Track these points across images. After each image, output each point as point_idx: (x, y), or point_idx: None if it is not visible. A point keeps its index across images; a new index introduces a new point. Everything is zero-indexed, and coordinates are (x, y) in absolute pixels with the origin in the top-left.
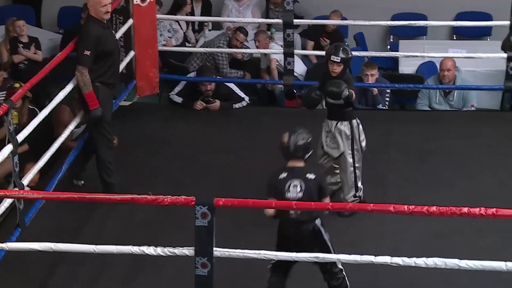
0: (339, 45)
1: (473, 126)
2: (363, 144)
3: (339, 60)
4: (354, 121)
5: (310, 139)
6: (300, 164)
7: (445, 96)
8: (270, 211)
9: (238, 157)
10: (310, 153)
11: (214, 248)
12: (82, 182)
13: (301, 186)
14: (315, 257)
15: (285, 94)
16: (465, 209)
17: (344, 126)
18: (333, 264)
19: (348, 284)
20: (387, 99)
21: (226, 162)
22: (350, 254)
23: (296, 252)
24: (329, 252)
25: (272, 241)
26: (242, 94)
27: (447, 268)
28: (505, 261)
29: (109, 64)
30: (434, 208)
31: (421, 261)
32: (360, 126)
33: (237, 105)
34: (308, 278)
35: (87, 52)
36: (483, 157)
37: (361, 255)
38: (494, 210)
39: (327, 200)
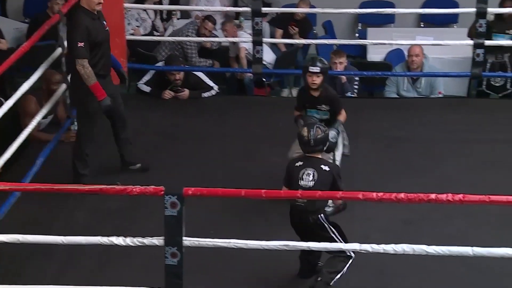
0: (315, 57)
1: (440, 113)
2: (346, 150)
3: (318, 70)
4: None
5: (327, 131)
6: (318, 155)
7: (413, 83)
8: None
9: (207, 146)
10: (327, 144)
11: (184, 238)
12: (139, 164)
13: (313, 176)
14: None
15: (254, 82)
16: (433, 196)
17: None
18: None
19: (344, 270)
20: (356, 86)
21: (195, 151)
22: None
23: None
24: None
25: (241, 229)
26: (211, 83)
27: (415, 254)
28: (472, 246)
29: (100, 55)
30: (402, 195)
31: (389, 248)
32: (344, 133)
33: (206, 94)
34: None
35: (81, 44)
36: (451, 144)
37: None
38: (461, 196)
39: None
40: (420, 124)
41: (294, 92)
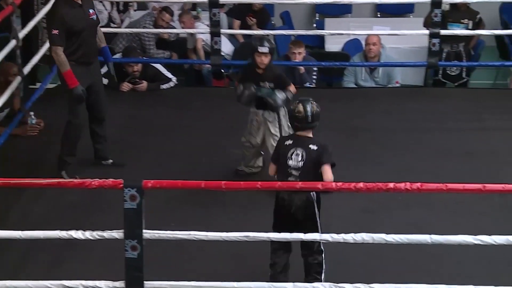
0: (262, 37)
1: (398, 102)
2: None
3: (267, 51)
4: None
5: (318, 107)
6: (309, 134)
7: (370, 73)
8: (272, 172)
9: (167, 138)
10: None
11: (144, 230)
12: (111, 160)
13: (302, 156)
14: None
15: (213, 74)
16: (391, 185)
17: (270, 116)
18: (315, 242)
19: (324, 266)
20: (314, 77)
21: (154, 143)
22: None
23: (289, 225)
24: (316, 228)
25: (202, 220)
26: (169, 75)
27: (375, 243)
28: (430, 234)
29: (79, 43)
30: (361, 185)
31: (349, 237)
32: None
33: (164, 86)
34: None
35: (55, 31)
36: (409, 133)
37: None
38: (419, 184)
39: (326, 167)
40: (378, 113)
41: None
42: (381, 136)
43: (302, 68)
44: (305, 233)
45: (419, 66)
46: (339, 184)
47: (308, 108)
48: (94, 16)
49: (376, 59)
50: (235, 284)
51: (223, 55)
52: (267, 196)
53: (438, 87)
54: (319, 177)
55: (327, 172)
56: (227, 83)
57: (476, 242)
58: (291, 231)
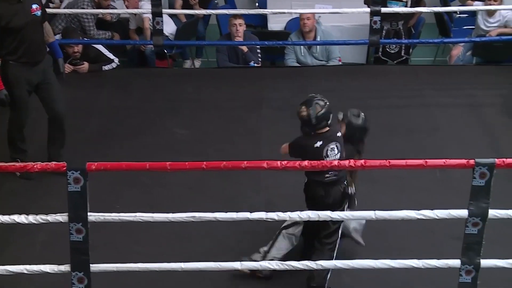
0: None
1: (340, 80)
2: None
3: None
4: None
5: (327, 104)
6: (327, 128)
7: (309, 49)
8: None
9: (110, 119)
10: (331, 117)
11: (89, 213)
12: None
13: (337, 147)
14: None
15: (156, 54)
16: (335, 162)
17: None
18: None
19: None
20: (259, 55)
21: (98, 125)
22: (226, 212)
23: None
24: (338, 227)
25: (147, 202)
26: (111, 56)
27: (320, 219)
28: (374, 210)
29: (18, 41)
30: (306, 163)
31: (295, 215)
32: None
33: (106, 67)
34: None
35: None
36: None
37: (237, 212)
38: (362, 161)
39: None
40: (321, 91)
41: (197, 63)
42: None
43: (245, 47)
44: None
45: (361, 44)
46: (284, 162)
47: (311, 111)
48: (38, 12)
49: (312, 34)
50: (182, 264)
51: (166, 35)
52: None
53: (380, 64)
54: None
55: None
56: (170, 63)
57: (419, 216)
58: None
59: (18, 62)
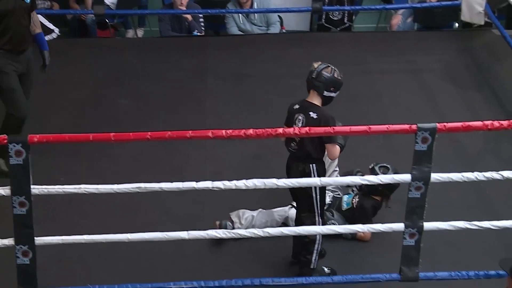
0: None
1: (284, 48)
2: None
3: None
4: None
5: (340, 79)
6: (315, 99)
7: (247, 17)
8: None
9: (52, 91)
10: (331, 93)
11: (32, 186)
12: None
13: (302, 122)
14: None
15: (97, 24)
16: (280, 130)
17: None
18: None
19: (317, 246)
20: (202, 24)
21: (40, 97)
22: (172, 182)
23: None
24: (311, 205)
25: (92, 174)
26: (51, 26)
27: (266, 188)
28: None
29: (4, 27)
30: (251, 131)
31: (241, 184)
32: None
33: (46, 38)
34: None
35: None
36: (295, 78)
37: (183, 182)
38: (307, 129)
39: (329, 146)
40: (266, 60)
41: (139, 32)
42: (269, 82)
43: (189, 16)
44: (300, 209)
45: (304, 11)
46: (229, 131)
47: (319, 66)
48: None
49: (249, 3)
50: (128, 235)
51: (107, 5)
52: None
53: (323, 32)
54: (320, 149)
55: (330, 151)
56: (112, 33)
57: (363, 182)
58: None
59: (2, 49)
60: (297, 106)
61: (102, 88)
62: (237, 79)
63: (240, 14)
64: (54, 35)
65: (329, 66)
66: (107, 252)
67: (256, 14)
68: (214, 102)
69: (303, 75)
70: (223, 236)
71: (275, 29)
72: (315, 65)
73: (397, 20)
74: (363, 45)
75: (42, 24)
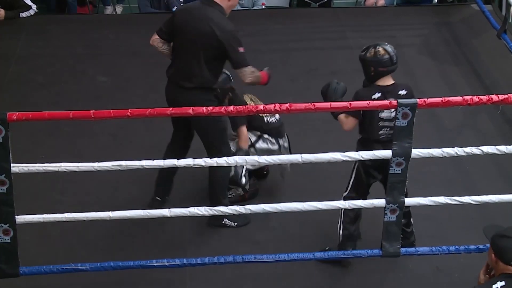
0: None
1: (264, 24)
2: None
3: None
4: None
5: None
6: (391, 80)
7: None
8: (352, 126)
9: (30, 68)
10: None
11: (12, 164)
12: None
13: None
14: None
15: (77, 0)
16: (261, 107)
17: None
18: None
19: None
20: (181, 0)
21: (17, 74)
22: (153, 160)
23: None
24: None
25: (72, 152)
26: (29, 2)
27: (248, 163)
28: (301, 153)
29: None
30: (231, 108)
31: (222, 161)
32: None
33: (24, 14)
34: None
35: None
36: (275, 53)
37: (164, 159)
38: (288, 105)
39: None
40: (245, 35)
41: (118, 9)
42: (249, 57)
43: None
44: None
45: None
46: (210, 108)
47: (390, 49)
48: None
49: None
50: (110, 213)
51: None
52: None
53: (303, 7)
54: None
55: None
56: (90, 9)
57: (344, 158)
58: None
59: None
60: (378, 95)
61: (80, 65)
62: None
63: None
64: (31, 12)
65: (387, 44)
66: (87, 229)
67: None
68: None
69: (283, 50)
70: (205, 213)
71: (257, 8)
72: (382, 51)
73: (372, 1)
74: (342, 21)
75: (20, 0)
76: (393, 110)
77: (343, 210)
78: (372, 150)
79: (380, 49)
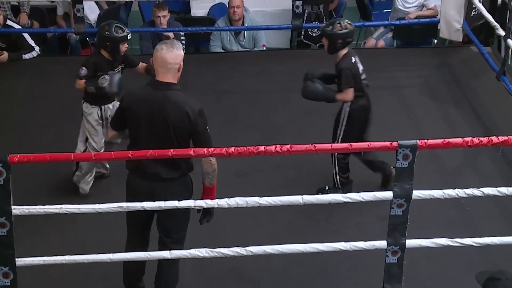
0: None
1: (264, 65)
2: None
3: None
4: None
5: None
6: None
7: (235, 37)
8: (352, 94)
9: (33, 109)
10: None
11: (13, 206)
12: None
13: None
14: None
15: (81, 42)
16: (262, 148)
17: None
18: None
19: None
20: (183, 42)
21: (19, 115)
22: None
23: None
24: None
25: (73, 193)
26: (32, 43)
27: (249, 206)
28: (302, 194)
29: None
30: (232, 149)
31: (223, 202)
32: None
33: (27, 56)
34: None
35: None
36: (275, 94)
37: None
38: (289, 146)
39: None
40: (246, 76)
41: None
42: (249, 98)
43: (170, 34)
44: None
45: (284, 28)
46: (211, 150)
47: (349, 22)
48: None
49: (240, 22)
50: (110, 255)
51: (90, 23)
52: None
53: (302, 48)
54: None
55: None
56: (93, 51)
57: (345, 200)
58: None
59: None
60: (355, 58)
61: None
62: (218, 95)
63: (229, 33)
64: (34, 53)
65: (342, 22)
66: (88, 270)
67: (245, 35)
68: None
69: (283, 91)
70: (206, 255)
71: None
72: (348, 25)
73: (371, 43)
74: None
75: (24, 38)
76: (362, 68)
77: (336, 160)
78: (358, 100)
79: (346, 23)
